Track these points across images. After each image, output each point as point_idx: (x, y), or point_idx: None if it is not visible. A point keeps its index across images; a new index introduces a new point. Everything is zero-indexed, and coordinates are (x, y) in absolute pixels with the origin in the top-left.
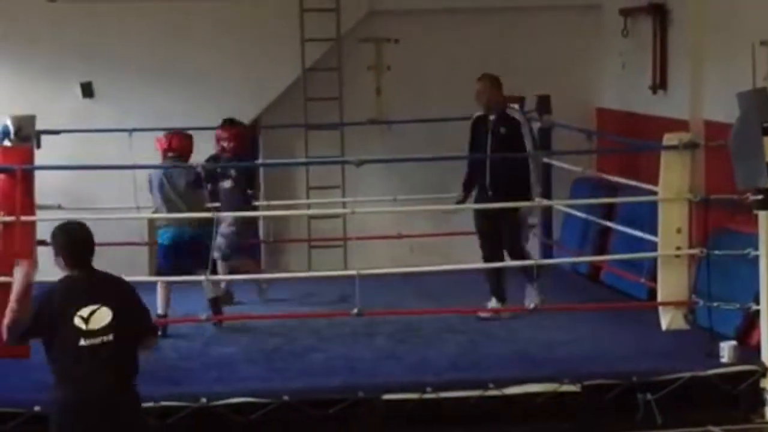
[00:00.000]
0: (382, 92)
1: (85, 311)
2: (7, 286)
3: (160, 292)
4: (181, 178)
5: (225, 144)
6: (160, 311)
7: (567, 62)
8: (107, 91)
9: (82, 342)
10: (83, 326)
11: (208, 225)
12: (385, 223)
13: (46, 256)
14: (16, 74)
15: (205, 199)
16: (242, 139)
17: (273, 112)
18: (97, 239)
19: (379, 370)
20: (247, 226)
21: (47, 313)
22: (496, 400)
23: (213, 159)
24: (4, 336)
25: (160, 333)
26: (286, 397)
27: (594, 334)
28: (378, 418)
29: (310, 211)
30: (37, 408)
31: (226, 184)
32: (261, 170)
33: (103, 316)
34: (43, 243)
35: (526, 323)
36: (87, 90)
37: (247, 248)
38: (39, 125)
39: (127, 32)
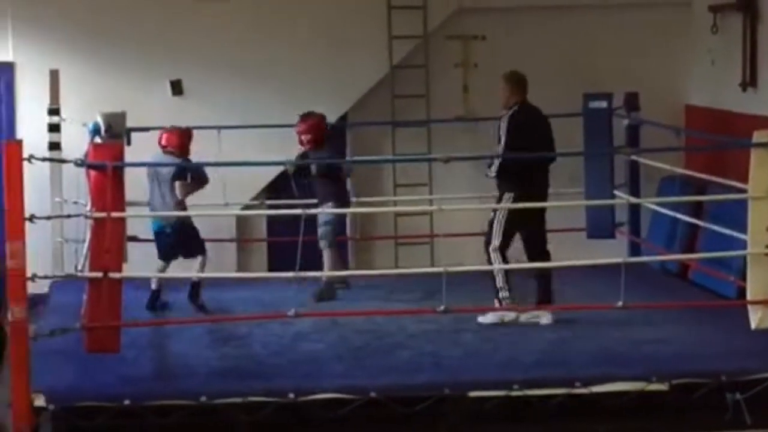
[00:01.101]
0: (469, 89)
1: None
2: (99, 282)
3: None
4: (166, 171)
5: (303, 137)
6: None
7: (655, 59)
8: (196, 89)
9: None
10: None
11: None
12: (471, 220)
13: (135, 251)
14: (107, 72)
15: (179, 192)
16: (317, 128)
17: (360, 109)
18: None
19: (465, 368)
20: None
21: None
22: (583, 399)
23: (302, 156)
24: None
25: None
26: (372, 394)
27: (682, 333)
28: (464, 415)
29: (397, 209)
30: (126, 402)
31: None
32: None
33: None
34: (133, 239)
35: (614, 322)
36: (176, 87)
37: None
38: (129, 122)
39: (217, 30)
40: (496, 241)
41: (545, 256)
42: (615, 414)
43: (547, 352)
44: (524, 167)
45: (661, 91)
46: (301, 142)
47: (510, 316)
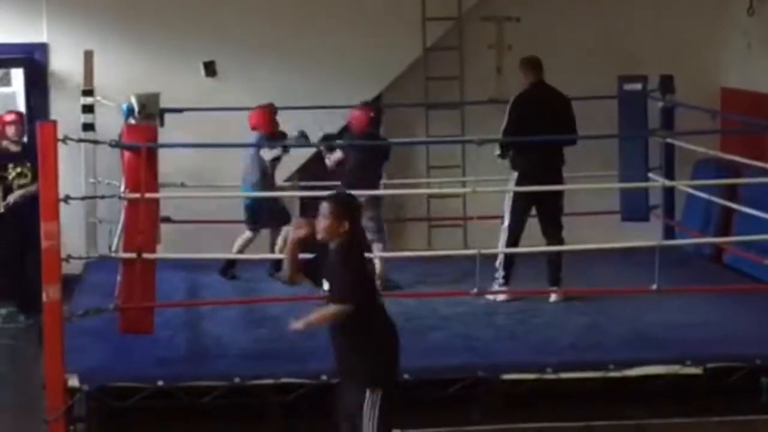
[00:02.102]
0: (502, 71)
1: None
2: (133, 262)
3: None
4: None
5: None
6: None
7: (691, 41)
8: (230, 70)
9: (381, 301)
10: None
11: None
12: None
13: (169, 232)
14: (141, 53)
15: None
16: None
17: (394, 91)
18: (219, 217)
19: (498, 350)
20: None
21: (364, 269)
22: (617, 382)
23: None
24: (339, 309)
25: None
26: (406, 376)
27: (717, 317)
28: (497, 397)
29: (430, 190)
30: (160, 383)
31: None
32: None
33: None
34: (167, 220)
35: (648, 305)
36: (210, 69)
37: None
38: (163, 103)
39: (250, 11)
40: (506, 221)
41: (558, 239)
42: (649, 397)
43: (580, 335)
44: (526, 147)
45: (697, 74)
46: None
47: (501, 297)
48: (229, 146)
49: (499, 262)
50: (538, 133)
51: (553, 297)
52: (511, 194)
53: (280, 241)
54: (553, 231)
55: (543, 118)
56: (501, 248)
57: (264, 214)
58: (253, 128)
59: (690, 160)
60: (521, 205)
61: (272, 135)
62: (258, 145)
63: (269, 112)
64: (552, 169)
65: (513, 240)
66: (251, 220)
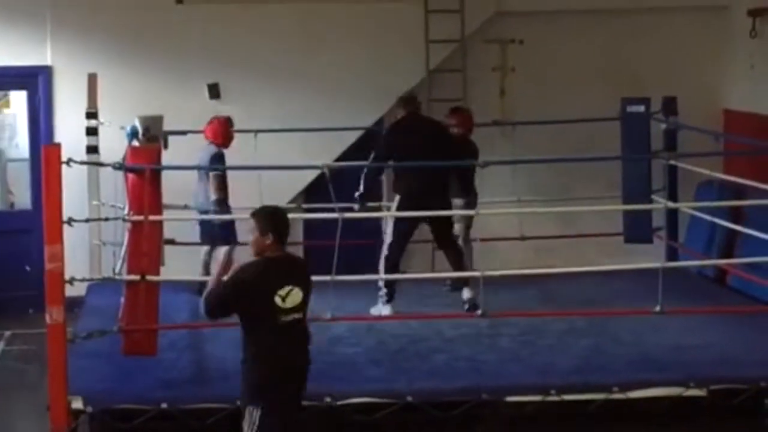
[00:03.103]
0: (506, 93)
1: (283, 291)
2: (136, 284)
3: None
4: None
5: (453, 129)
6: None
7: (693, 63)
8: (233, 93)
9: (282, 319)
10: (281, 305)
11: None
12: (508, 225)
13: (172, 254)
14: (145, 75)
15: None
16: (467, 122)
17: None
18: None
19: (502, 372)
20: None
21: (250, 287)
22: (621, 404)
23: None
24: (202, 309)
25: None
26: (409, 398)
27: (721, 339)
28: (501, 419)
29: (434, 212)
30: (164, 405)
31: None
32: None
33: (296, 296)
34: (170, 242)
35: (652, 327)
36: (213, 91)
37: None
38: (167, 126)
39: (254, 34)
40: (387, 239)
41: (453, 247)
42: (653, 419)
43: (584, 357)
44: (404, 173)
45: (700, 96)
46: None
47: (386, 310)
48: (232, 169)
49: (381, 279)
50: (412, 158)
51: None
52: (393, 218)
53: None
54: (446, 242)
55: (416, 144)
56: (381, 266)
57: (215, 231)
58: (209, 138)
59: (693, 181)
60: (402, 226)
61: (224, 149)
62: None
63: (226, 125)
64: (433, 191)
65: (393, 260)
66: (208, 238)
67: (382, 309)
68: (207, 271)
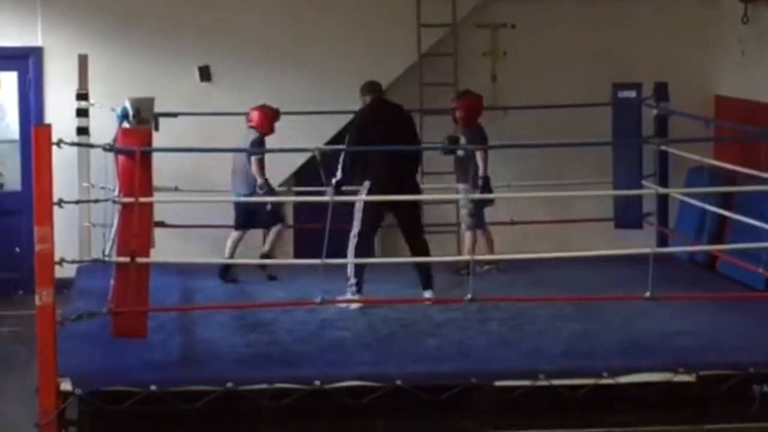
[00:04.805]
0: (497, 78)
1: None
2: (126, 266)
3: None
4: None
5: (457, 113)
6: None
7: (685, 49)
8: (224, 75)
9: None
10: None
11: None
12: (498, 210)
13: (162, 237)
14: (136, 57)
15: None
16: (471, 107)
17: (388, 97)
18: (212, 222)
19: (492, 357)
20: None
21: None
22: (610, 389)
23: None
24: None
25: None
26: (398, 382)
27: (710, 325)
28: (490, 404)
29: (424, 197)
30: (153, 387)
31: (459, 153)
32: None
33: None
34: (160, 224)
35: (641, 312)
36: (204, 73)
37: None
38: (157, 108)
39: (245, 17)
40: (355, 228)
41: (420, 241)
42: (641, 405)
43: (573, 342)
44: (372, 160)
45: (691, 82)
46: (455, 119)
47: (354, 306)
48: (223, 151)
49: (350, 270)
50: (380, 143)
51: (426, 294)
52: (362, 203)
53: (268, 242)
54: (413, 235)
55: (383, 130)
56: (350, 256)
57: (256, 215)
58: (252, 127)
59: (684, 167)
60: (371, 213)
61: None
62: (250, 151)
63: (273, 116)
64: (402, 178)
65: (362, 247)
66: (242, 220)
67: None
68: (232, 255)
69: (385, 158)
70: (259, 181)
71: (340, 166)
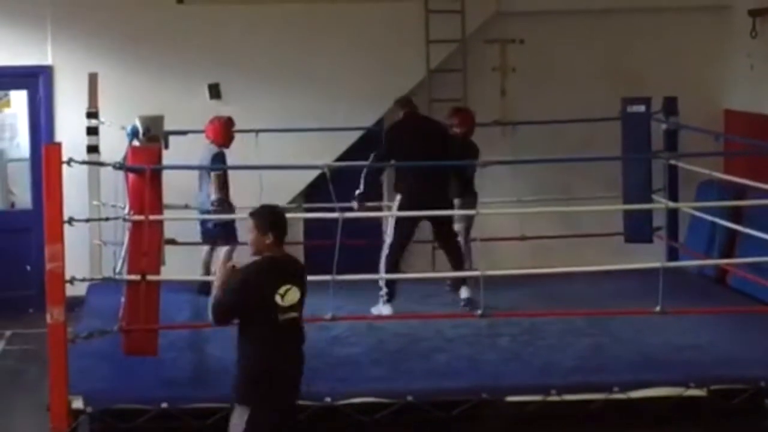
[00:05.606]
0: (506, 93)
1: (282, 289)
2: (137, 284)
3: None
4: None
5: (455, 129)
6: None
7: (694, 63)
8: (234, 93)
9: (279, 318)
10: (281, 303)
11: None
12: (508, 225)
13: (173, 254)
14: (145, 75)
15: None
16: (469, 121)
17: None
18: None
19: (503, 372)
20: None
21: (254, 287)
22: (621, 404)
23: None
24: (210, 318)
25: None
26: (410, 398)
27: (721, 339)
28: (501, 419)
29: (434, 212)
30: (164, 405)
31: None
32: None
33: (293, 295)
34: (171, 242)
35: (652, 327)
36: (214, 91)
37: None
38: (167, 126)
39: (254, 34)
40: (389, 239)
41: (453, 245)
42: (653, 419)
43: (584, 357)
44: (404, 172)
45: (700, 96)
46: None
47: (387, 310)
48: (232, 168)
49: (381, 282)
50: (413, 157)
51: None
52: (394, 217)
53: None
54: (447, 241)
55: (416, 144)
56: (382, 266)
57: (217, 231)
58: (209, 138)
59: (693, 181)
60: (404, 226)
61: (225, 148)
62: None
63: (227, 125)
64: (434, 190)
65: (394, 259)
66: (209, 238)
67: (382, 309)
68: (207, 271)
69: (416, 171)
70: (213, 197)
71: (363, 179)
